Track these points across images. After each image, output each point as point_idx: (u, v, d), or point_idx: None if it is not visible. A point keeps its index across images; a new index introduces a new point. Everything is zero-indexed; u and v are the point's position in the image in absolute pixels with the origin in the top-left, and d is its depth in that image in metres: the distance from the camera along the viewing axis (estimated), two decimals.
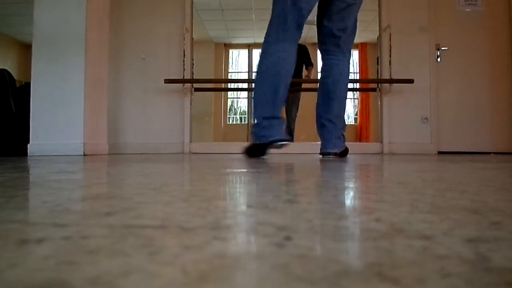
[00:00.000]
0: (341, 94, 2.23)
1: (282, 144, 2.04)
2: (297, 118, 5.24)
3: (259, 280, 0.23)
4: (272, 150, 2.12)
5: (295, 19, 2.03)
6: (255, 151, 2.05)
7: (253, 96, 2.11)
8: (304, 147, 4.24)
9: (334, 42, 2.23)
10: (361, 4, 2.21)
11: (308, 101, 6.77)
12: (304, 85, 5.54)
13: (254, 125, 2.05)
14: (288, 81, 2.06)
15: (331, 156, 2.23)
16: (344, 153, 2.33)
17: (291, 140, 2.18)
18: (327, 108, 2.23)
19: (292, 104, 5.16)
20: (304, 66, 5.15)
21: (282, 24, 2.03)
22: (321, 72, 2.32)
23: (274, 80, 2.00)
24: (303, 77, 5.20)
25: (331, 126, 2.22)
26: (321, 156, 2.31)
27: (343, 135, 2.31)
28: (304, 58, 5.03)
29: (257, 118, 2.03)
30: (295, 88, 5.25)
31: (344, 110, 2.31)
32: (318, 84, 2.37)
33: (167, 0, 4.31)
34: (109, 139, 3.67)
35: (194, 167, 1.59)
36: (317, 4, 2.13)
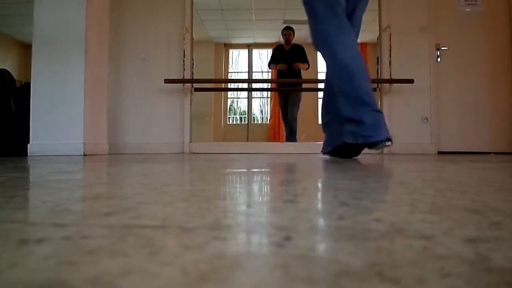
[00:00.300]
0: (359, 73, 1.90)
1: (385, 146, 1.79)
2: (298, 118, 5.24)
3: (259, 280, 0.23)
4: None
5: (334, 11, 1.90)
6: (348, 152, 1.84)
7: (340, 94, 1.88)
8: (305, 147, 4.24)
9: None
10: (368, 1, 2.10)
11: (308, 101, 6.78)
12: (304, 85, 5.54)
13: (352, 123, 1.79)
14: (363, 64, 1.89)
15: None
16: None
17: (386, 138, 1.79)
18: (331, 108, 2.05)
19: (293, 104, 5.17)
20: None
21: (332, 15, 1.89)
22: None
23: (354, 73, 1.81)
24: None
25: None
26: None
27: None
28: (300, 57, 5.06)
29: (356, 116, 1.77)
30: (296, 88, 5.26)
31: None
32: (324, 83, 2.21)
33: (167, 0, 4.31)
34: (109, 139, 3.67)
35: (194, 167, 1.59)
36: None
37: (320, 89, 7.01)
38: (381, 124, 1.73)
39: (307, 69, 5.17)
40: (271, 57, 5.35)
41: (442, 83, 4.26)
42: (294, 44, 5.11)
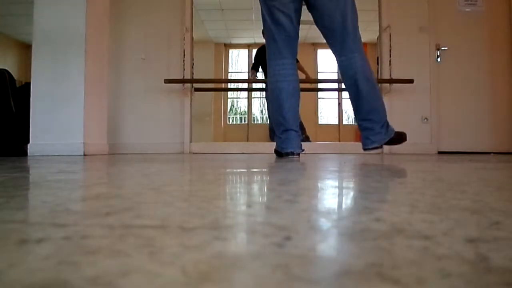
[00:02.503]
0: (365, 91, 2.13)
1: (295, 155, 2.23)
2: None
3: (259, 280, 0.23)
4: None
5: (284, 43, 2.19)
6: (280, 155, 2.27)
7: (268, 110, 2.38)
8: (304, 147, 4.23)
9: (335, 40, 2.16)
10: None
11: (307, 102, 6.78)
12: (302, 86, 5.53)
13: (276, 136, 2.30)
14: (294, 92, 2.23)
15: (371, 148, 2.18)
16: (398, 139, 2.24)
17: (302, 151, 2.29)
18: (356, 108, 2.21)
19: None
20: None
21: (272, 46, 2.22)
22: (340, 74, 2.26)
23: (278, 96, 2.21)
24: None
25: (365, 124, 2.18)
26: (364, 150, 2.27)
27: (386, 124, 2.20)
28: None
29: (276, 131, 2.28)
30: None
31: (376, 102, 2.18)
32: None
33: (167, 0, 4.31)
34: (109, 139, 3.67)
35: (194, 167, 1.59)
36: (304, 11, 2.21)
37: (320, 89, 7.04)
38: (291, 140, 2.22)
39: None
40: (255, 59, 5.15)
41: (442, 83, 4.26)
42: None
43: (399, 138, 2.25)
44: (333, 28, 2.14)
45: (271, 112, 2.33)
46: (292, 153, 2.21)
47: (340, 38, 2.14)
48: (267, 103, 2.41)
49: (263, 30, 2.34)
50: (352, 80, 2.15)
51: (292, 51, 2.24)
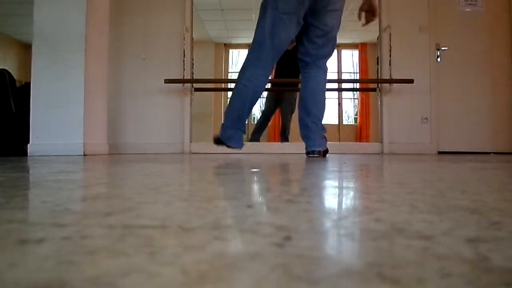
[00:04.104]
0: (320, 100, 2.45)
1: (235, 148, 2.39)
2: (291, 119, 5.20)
3: (259, 280, 0.23)
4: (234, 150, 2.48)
5: (271, 55, 2.29)
6: (220, 143, 2.40)
7: (228, 103, 2.46)
8: (303, 147, 4.23)
9: (312, 60, 2.41)
10: (338, 30, 2.40)
11: None
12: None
13: (223, 126, 2.38)
14: (256, 100, 2.41)
15: (315, 155, 2.37)
16: (325, 153, 2.49)
17: (241, 146, 2.45)
18: (308, 113, 2.42)
19: (287, 105, 5.14)
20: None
21: (258, 53, 2.29)
22: (301, 82, 2.52)
23: (245, 102, 2.34)
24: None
25: (313, 127, 2.41)
26: (306, 155, 2.44)
27: (325, 137, 2.49)
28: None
29: (226, 122, 2.37)
30: (291, 88, 5.20)
31: (323, 114, 2.50)
32: (299, 92, 2.58)
33: (167, 0, 4.31)
34: (109, 139, 3.67)
35: (194, 167, 1.59)
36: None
37: None
38: (239, 136, 2.38)
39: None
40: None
41: (442, 83, 4.26)
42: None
43: (326, 152, 2.52)
44: (320, 48, 2.38)
45: (233, 109, 2.39)
46: (234, 147, 2.38)
47: (321, 56, 2.42)
48: (232, 99, 2.44)
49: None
50: (311, 89, 2.43)
51: (273, 64, 2.39)
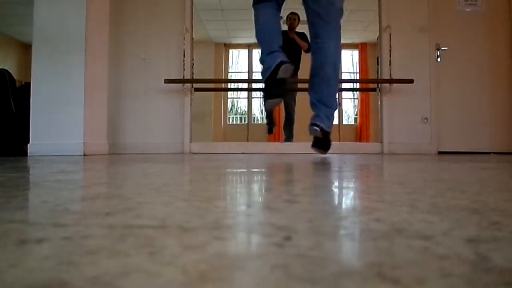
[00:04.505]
0: (329, 75, 2.30)
1: (287, 65, 2.19)
2: (295, 118, 5.18)
3: (259, 280, 0.23)
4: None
5: None
6: (272, 87, 2.24)
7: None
8: (303, 147, 4.23)
9: (320, 24, 2.29)
10: None
11: (307, 102, 6.77)
12: (300, 85, 5.51)
13: (262, 69, 2.29)
14: (278, 31, 2.31)
15: (316, 128, 2.26)
16: (325, 144, 2.35)
17: (292, 67, 2.33)
18: (316, 89, 2.32)
19: (289, 106, 5.13)
20: (301, 55, 5.00)
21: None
22: (311, 54, 2.40)
23: (265, 32, 2.29)
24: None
25: (320, 105, 2.31)
26: (310, 127, 2.35)
27: (332, 118, 2.36)
28: (300, 48, 4.86)
29: (263, 62, 2.29)
30: (291, 87, 5.17)
31: (335, 90, 2.37)
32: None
33: (167, 0, 4.31)
34: (109, 139, 3.67)
35: (194, 167, 1.59)
36: None
37: None
38: (275, 56, 2.22)
39: (306, 50, 5.00)
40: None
41: (442, 83, 4.26)
42: (297, 32, 4.84)
43: (329, 142, 2.38)
44: (321, 15, 2.27)
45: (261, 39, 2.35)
46: (284, 62, 2.19)
47: (323, 24, 2.28)
48: (257, 37, 2.38)
49: (253, 2, 2.39)
50: (320, 62, 2.30)
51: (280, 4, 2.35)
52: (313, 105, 2.36)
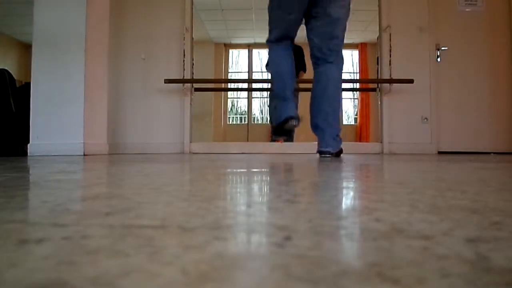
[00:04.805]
0: (331, 97, 2.37)
1: (294, 121, 2.34)
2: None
3: (259, 280, 0.23)
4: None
5: (283, 32, 2.37)
6: (280, 132, 2.43)
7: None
8: (304, 147, 4.23)
9: (323, 56, 2.38)
10: (347, 17, 2.36)
11: (307, 102, 6.77)
12: (301, 85, 5.52)
13: (273, 111, 2.53)
14: (291, 72, 2.43)
15: (327, 155, 2.32)
16: (338, 153, 2.42)
17: (299, 120, 2.41)
18: (319, 111, 2.36)
19: None
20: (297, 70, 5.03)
21: (275, 33, 2.39)
22: (313, 79, 2.47)
23: (280, 78, 2.41)
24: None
25: (324, 125, 2.34)
26: (318, 154, 2.41)
27: (339, 136, 2.40)
28: (297, 61, 4.91)
29: (275, 108, 2.47)
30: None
31: (337, 112, 2.43)
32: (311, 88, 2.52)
33: (167, 0, 4.31)
34: (109, 139, 3.67)
35: (194, 167, 1.59)
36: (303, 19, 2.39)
37: None
38: (285, 107, 2.36)
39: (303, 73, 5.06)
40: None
41: (442, 83, 4.26)
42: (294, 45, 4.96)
43: (340, 152, 2.46)
44: (323, 44, 2.36)
45: (275, 86, 2.50)
46: (292, 118, 2.33)
47: (329, 49, 2.37)
48: (271, 81, 2.56)
49: (267, 39, 2.48)
50: (323, 85, 2.38)
51: (292, 35, 2.45)
52: (316, 128, 2.38)
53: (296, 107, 2.59)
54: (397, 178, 1.01)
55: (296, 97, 5.21)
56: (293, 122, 2.33)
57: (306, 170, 1.37)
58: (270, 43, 2.45)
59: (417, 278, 0.23)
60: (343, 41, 2.42)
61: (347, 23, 2.39)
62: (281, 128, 2.38)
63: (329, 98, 2.35)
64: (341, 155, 2.49)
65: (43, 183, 0.84)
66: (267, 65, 5.32)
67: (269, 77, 2.63)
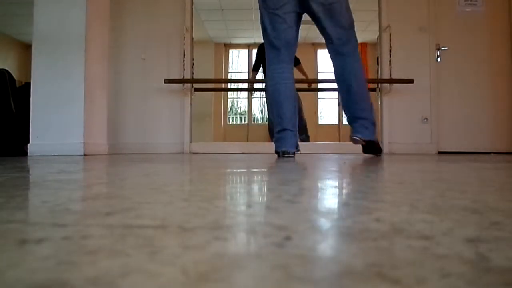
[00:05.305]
0: (357, 90, 2.34)
1: (290, 154, 2.29)
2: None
3: (259, 280, 0.23)
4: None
5: (284, 50, 2.30)
6: (278, 154, 2.35)
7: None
8: (304, 147, 4.23)
9: (334, 46, 2.32)
10: (344, 1, 2.30)
11: (307, 102, 6.77)
12: (302, 86, 5.51)
13: (273, 134, 2.40)
14: (291, 94, 2.33)
15: (357, 140, 2.37)
16: (374, 149, 2.46)
17: (297, 150, 2.38)
18: (347, 105, 2.39)
19: (298, 113, 5.09)
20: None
21: (271, 52, 2.33)
22: (334, 73, 2.44)
23: (277, 99, 2.31)
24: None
25: (357, 117, 2.37)
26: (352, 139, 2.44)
27: (374, 125, 2.43)
28: None
29: (275, 129, 2.37)
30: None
31: (366, 102, 2.41)
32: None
33: (167, 0, 4.31)
34: (109, 139, 3.67)
35: (194, 167, 1.59)
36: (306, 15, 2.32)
37: (320, 89, 7.03)
38: (285, 139, 2.30)
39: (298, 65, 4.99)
40: (256, 59, 5.10)
41: (442, 83, 4.26)
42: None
43: (378, 147, 2.50)
44: (332, 35, 2.30)
45: (270, 112, 2.45)
46: (287, 152, 2.29)
47: (337, 43, 2.31)
48: (267, 104, 2.60)
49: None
50: (344, 80, 2.34)
51: (290, 56, 2.37)
52: (351, 120, 2.42)
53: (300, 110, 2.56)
54: (397, 178, 1.01)
55: (299, 102, 5.19)
56: (289, 157, 2.30)
57: (307, 170, 1.37)
58: (268, 66, 2.39)
59: (417, 278, 0.23)
60: (353, 28, 2.35)
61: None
62: (278, 155, 2.36)
63: (355, 93, 2.35)
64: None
65: (43, 183, 0.84)
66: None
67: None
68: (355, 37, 2.37)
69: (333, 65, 2.39)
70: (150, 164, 1.68)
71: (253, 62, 5.34)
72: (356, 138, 2.36)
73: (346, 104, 2.39)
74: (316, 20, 2.31)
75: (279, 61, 2.31)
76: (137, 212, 0.45)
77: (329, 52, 2.38)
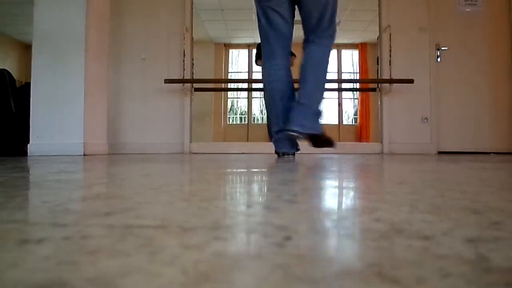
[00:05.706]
0: (314, 77, 2.22)
1: (289, 156, 2.25)
2: None
3: (259, 280, 0.23)
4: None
5: (280, 43, 2.24)
6: (278, 155, 2.31)
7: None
8: (304, 147, 4.23)
9: (307, 35, 2.26)
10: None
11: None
12: (297, 85, 5.51)
13: (272, 133, 2.33)
14: (288, 93, 2.24)
15: (294, 134, 2.12)
16: (322, 142, 2.26)
17: (297, 150, 2.32)
18: (299, 89, 2.23)
19: None
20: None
21: (267, 46, 2.27)
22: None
23: (275, 96, 2.24)
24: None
25: (298, 106, 2.15)
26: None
27: (319, 115, 2.24)
28: None
29: (273, 128, 2.30)
30: None
31: (319, 93, 2.25)
32: None
33: (167, 0, 4.31)
34: (109, 139, 3.67)
35: (194, 167, 1.59)
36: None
37: None
38: (283, 140, 2.22)
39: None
40: (257, 51, 5.13)
41: (442, 83, 4.26)
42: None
43: (328, 140, 2.30)
44: (310, 20, 2.22)
45: (268, 112, 2.38)
46: (287, 153, 2.25)
47: (312, 28, 2.24)
48: (265, 102, 2.43)
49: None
50: (305, 65, 2.23)
51: (286, 52, 2.29)
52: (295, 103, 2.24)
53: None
54: (397, 178, 1.01)
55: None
56: (289, 157, 2.24)
57: (306, 170, 1.37)
58: (263, 63, 2.32)
59: (417, 278, 0.23)
60: (332, 25, 2.26)
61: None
62: (278, 155, 2.31)
63: (311, 80, 2.22)
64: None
65: (43, 183, 0.84)
66: (257, 60, 5.29)
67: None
68: (332, 36, 2.29)
69: (303, 54, 2.28)
70: (150, 164, 1.68)
71: (255, 54, 5.32)
72: (291, 131, 2.13)
73: (300, 88, 2.23)
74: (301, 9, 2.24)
75: (275, 57, 2.25)
76: (137, 212, 0.45)
77: (304, 41, 2.29)
